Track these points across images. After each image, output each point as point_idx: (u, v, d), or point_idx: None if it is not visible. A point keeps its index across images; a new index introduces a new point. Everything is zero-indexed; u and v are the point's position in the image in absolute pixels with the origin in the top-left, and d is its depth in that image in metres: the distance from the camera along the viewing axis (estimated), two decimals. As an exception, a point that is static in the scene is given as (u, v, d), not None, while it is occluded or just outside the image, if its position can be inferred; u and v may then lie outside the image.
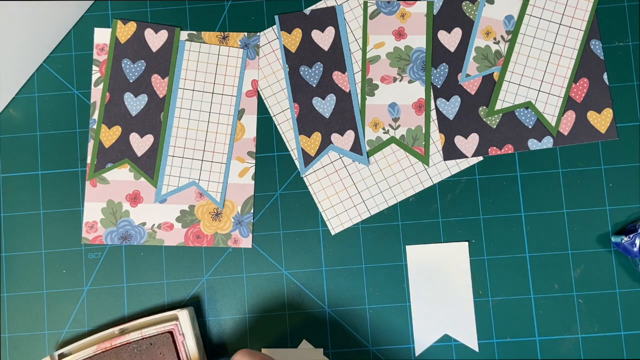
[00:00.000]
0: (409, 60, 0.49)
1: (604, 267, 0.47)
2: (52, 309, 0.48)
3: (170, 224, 0.48)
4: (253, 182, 0.49)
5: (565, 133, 0.48)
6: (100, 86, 0.49)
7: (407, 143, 0.48)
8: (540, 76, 0.48)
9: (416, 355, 0.46)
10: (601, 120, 0.48)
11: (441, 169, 0.48)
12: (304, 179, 0.49)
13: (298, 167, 0.49)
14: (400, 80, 0.49)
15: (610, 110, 0.48)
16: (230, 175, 0.49)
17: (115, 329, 0.46)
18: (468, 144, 0.48)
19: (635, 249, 0.44)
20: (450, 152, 0.48)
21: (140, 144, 0.49)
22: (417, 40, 0.49)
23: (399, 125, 0.49)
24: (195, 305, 0.48)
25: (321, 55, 0.49)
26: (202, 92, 0.49)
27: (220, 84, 0.49)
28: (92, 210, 0.49)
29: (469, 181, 0.48)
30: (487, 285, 0.47)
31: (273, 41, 0.49)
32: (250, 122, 0.49)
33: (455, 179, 0.48)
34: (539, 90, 0.48)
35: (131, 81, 0.49)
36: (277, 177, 0.49)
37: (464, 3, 0.49)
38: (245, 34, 0.49)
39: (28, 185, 0.49)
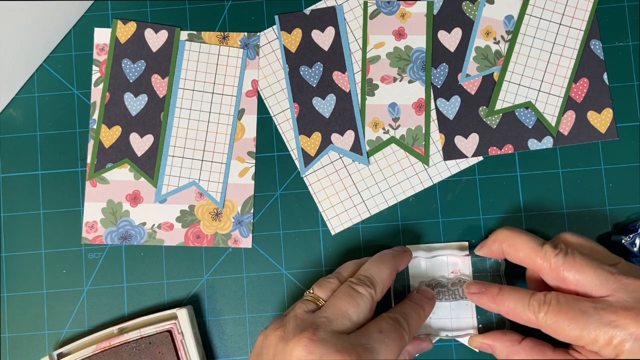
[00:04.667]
0: (409, 60, 0.49)
1: (604, 267, 0.47)
2: (52, 309, 0.48)
3: (170, 224, 0.48)
4: (253, 182, 0.49)
5: (565, 133, 0.48)
6: (100, 86, 0.49)
7: (407, 143, 0.48)
8: (540, 76, 0.48)
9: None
10: (601, 120, 0.48)
11: (441, 169, 0.48)
12: (304, 179, 0.49)
13: (298, 167, 0.49)
14: (400, 80, 0.49)
15: (610, 110, 0.48)
16: (230, 175, 0.49)
17: (114, 329, 0.46)
18: (468, 144, 0.48)
19: (635, 249, 0.44)
20: (450, 152, 0.48)
21: (140, 144, 0.49)
22: (417, 40, 0.49)
23: (399, 125, 0.49)
24: (195, 305, 0.48)
25: (321, 55, 0.49)
26: (202, 92, 0.49)
27: (220, 84, 0.49)
28: (92, 210, 0.49)
29: (469, 181, 0.48)
30: (487, 285, 0.47)
31: (273, 41, 0.50)
32: (250, 122, 0.49)
33: (455, 179, 0.48)
34: (539, 90, 0.48)
35: (131, 81, 0.49)
36: (277, 177, 0.49)
37: (464, 3, 0.49)
38: (245, 34, 0.50)
39: (28, 185, 0.49)
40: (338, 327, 0.37)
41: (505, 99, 0.48)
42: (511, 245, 0.41)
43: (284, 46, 0.49)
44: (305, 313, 0.38)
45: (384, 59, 0.49)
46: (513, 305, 0.39)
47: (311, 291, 0.41)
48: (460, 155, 0.48)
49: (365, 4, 0.49)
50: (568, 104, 0.48)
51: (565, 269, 0.38)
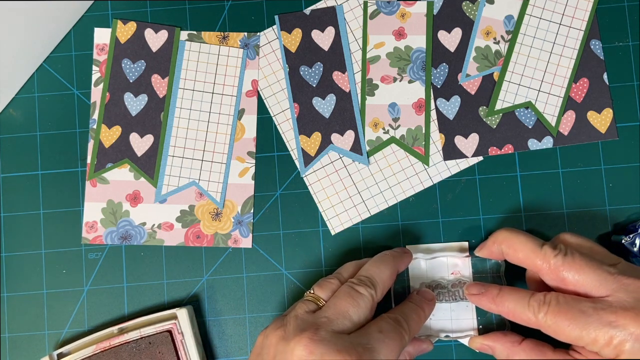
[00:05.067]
0: (409, 60, 0.49)
1: (604, 267, 0.47)
2: (52, 309, 0.48)
3: (170, 224, 0.48)
4: (253, 182, 0.49)
5: (565, 133, 0.48)
6: (100, 86, 0.49)
7: (407, 143, 0.48)
8: (540, 76, 0.48)
9: (416, 355, 0.46)
10: (601, 120, 0.48)
11: (441, 169, 0.48)
12: (304, 179, 0.49)
13: (298, 167, 0.49)
14: (400, 80, 0.49)
15: (610, 110, 0.48)
16: (230, 175, 0.49)
17: (114, 329, 0.46)
18: (468, 144, 0.48)
19: (635, 249, 0.44)
20: (450, 152, 0.48)
21: (140, 144, 0.49)
22: (417, 40, 0.49)
23: (399, 125, 0.49)
24: (195, 305, 0.48)
25: (321, 55, 0.49)
26: (202, 92, 0.49)
27: (220, 84, 0.49)
28: (92, 210, 0.49)
29: (469, 181, 0.48)
30: (487, 285, 0.47)
31: (273, 41, 0.49)
32: (250, 122, 0.49)
33: (455, 179, 0.48)
34: (539, 90, 0.48)
35: (131, 81, 0.49)
36: (277, 177, 0.49)
37: (464, 3, 0.49)
38: (245, 34, 0.50)
39: (28, 185, 0.49)
40: (339, 327, 0.37)
41: (505, 99, 0.48)
42: (510, 246, 0.41)
43: (284, 46, 0.49)
44: (306, 313, 0.38)
45: (384, 59, 0.49)
46: (513, 306, 0.39)
47: (312, 291, 0.41)
48: (460, 155, 0.48)
49: (365, 4, 0.49)
50: (568, 104, 0.48)
51: (564, 269, 0.38)
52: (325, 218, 0.48)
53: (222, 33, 0.49)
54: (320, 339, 0.36)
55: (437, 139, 0.48)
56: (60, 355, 0.46)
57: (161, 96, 0.49)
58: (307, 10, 0.49)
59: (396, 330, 0.39)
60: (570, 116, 0.48)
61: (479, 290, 0.42)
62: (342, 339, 0.36)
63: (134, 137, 0.49)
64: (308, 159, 0.49)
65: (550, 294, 0.38)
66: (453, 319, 0.45)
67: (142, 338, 0.45)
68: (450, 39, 0.49)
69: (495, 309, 0.41)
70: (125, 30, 0.50)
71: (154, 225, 0.48)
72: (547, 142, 0.48)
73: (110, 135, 0.49)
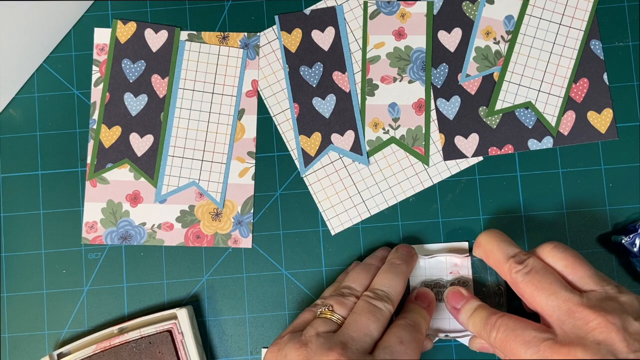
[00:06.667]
0: (409, 60, 0.49)
1: (604, 267, 0.47)
2: (52, 309, 0.48)
3: (170, 224, 0.48)
4: (253, 182, 0.49)
5: (565, 133, 0.48)
6: (100, 86, 0.49)
7: (407, 143, 0.48)
8: (540, 76, 0.48)
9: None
10: (601, 120, 0.48)
11: (441, 169, 0.48)
12: (304, 179, 0.49)
13: (298, 167, 0.49)
14: (400, 80, 0.49)
15: (610, 110, 0.48)
16: (230, 175, 0.49)
17: (114, 328, 0.46)
18: (468, 144, 0.48)
19: (635, 249, 0.44)
20: (450, 152, 0.48)
21: (140, 144, 0.49)
22: (417, 40, 0.49)
23: (399, 125, 0.49)
24: (195, 305, 0.48)
25: (321, 55, 0.49)
26: (202, 92, 0.49)
27: (220, 84, 0.49)
28: (92, 210, 0.49)
29: (469, 181, 0.48)
30: (487, 285, 0.47)
31: (273, 41, 0.50)
32: (250, 122, 0.49)
33: (455, 179, 0.48)
34: (539, 90, 0.48)
35: (131, 81, 0.49)
36: (277, 177, 0.49)
37: (464, 3, 0.49)
38: (245, 34, 0.50)
39: (28, 185, 0.49)
40: (362, 347, 0.38)
41: (505, 99, 0.48)
42: (484, 252, 0.42)
43: (284, 46, 0.49)
44: (328, 331, 0.39)
45: (384, 59, 0.49)
46: (474, 327, 0.41)
47: (330, 308, 0.40)
48: (460, 155, 0.48)
49: (365, 4, 0.49)
50: (568, 104, 0.48)
51: (522, 286, 0.38)
52: (325, 218, 0.48)
53: (222, 33, 0.49)
54: (348, 359, 0.36)
55: (437, 139, 0.48)
56: (60, 355, 0.46)
57: (161, 96, 0.49)
58: (307, 11, 0.49)
59: (414, 336, 0.40)
60: (570, 116, 0.48)
61: (456, 304, 0.43)
62: (369, 358, 0.37)
63: (134, 137, 0.49)
64: (308, 159, 0.49)
65: (502, 318, 0.38)
66: (451, 318, 0.45)
67: (142, 338, 0.45)
68: (450, 39, 0.49)
69: (465, 327, 0.42)
70: (125, 30, 0.50)
71: (154, 225, 0.48)
72: (547, 142, 0.48)
73: (110, 136, 0.49)
